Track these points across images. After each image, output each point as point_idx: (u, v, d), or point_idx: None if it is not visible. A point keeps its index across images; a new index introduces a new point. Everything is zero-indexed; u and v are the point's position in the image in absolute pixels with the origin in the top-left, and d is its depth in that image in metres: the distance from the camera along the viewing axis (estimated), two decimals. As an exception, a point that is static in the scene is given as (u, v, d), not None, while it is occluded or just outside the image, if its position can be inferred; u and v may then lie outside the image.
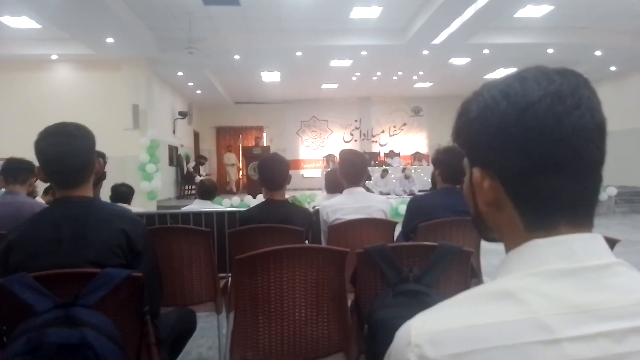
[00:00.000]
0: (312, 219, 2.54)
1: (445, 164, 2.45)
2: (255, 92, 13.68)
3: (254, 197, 9.46)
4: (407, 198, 9.22)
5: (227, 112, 14.98)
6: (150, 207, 8.34)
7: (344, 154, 2.68)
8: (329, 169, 4.41)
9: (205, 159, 12.95)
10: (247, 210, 2.59)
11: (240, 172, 13.60)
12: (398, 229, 2.57)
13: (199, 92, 12.53)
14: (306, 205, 8.75)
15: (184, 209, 3.64)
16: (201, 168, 12.45)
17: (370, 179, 11.01)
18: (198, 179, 11.21)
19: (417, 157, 13.79)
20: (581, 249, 0.51)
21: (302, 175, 15.13)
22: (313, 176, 14.69)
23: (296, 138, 15.54)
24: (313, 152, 15.54)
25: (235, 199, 9.66)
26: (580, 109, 0.52)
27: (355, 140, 15.61)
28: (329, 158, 13.66)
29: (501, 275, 0.54)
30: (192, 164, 12.22)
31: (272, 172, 2.39)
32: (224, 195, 10.89)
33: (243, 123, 15.17)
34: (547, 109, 0.52)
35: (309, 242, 2.48)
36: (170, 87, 11.67)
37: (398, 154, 13.95)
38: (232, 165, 13.45)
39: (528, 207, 0.54)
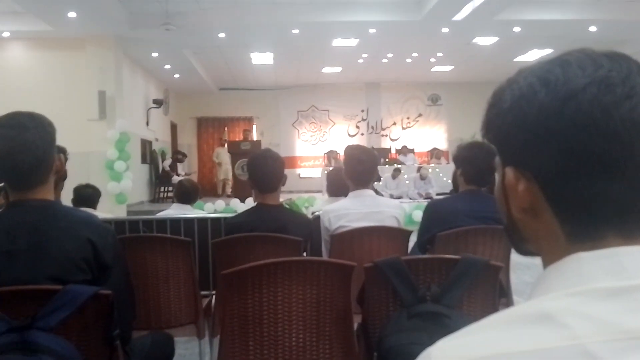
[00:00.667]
0: (311, 226, 2.54)
1: (468, 162, 2.46)
2: (243, 76, 13.70)
3: (242, 201, 9.48)
4: (424, 202, 9.24)
5: (210, 100, 15.01)
6: (120, 213, 8.35)
7: (350, 150, 2.69)
8: (331, 168, 4.42)
9: (184, 155, 12.96)
10: (235, 216, 2.60)
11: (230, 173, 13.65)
12: (413, 239, 2.58)
13: (177, 76, 12.55)
14: (304, 211, 8.81)
15: (160, 215, 3.64)
16: (179, 166, 12.47)
17: (379, 180, 11.03)
18: (176, 179, 11.20)
19: (434, 154, 13.83)
20: (633, 265, 0.51)
21: (299, 175, 15.15)
22: (312, 176, 14.71)
23: (292, 131, 15.56)
24: (312, 147, 15.56)
25: (220, 203, 9.68)
26: (632, 100, 0.52)
27: (362, 134, 15.64)
28: (330, 155, 13.67)
29: (538, 295, 0.54)
30: (168, 161, 12.25)
31: (263, 171, 2.40)
32: (207, 198, 10.91)
33: (229, 113, 15.19)
34: (593, 99, 0.52)
35: (307, 255, 2.48)
36: (143, 71, 11.68)
37: (412, 151, 13.98)
38: (221, 164, 13.47)
39: (570, 214, 0.54)
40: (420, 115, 15.74)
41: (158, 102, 12.00)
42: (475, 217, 2.40)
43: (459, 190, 2.58)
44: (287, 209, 2.58)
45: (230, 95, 15.04)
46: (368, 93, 15.51)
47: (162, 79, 12.85)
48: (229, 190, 13.40)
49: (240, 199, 9.74)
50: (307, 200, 9.78)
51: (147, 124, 11.90)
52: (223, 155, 13.48)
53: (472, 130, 13.04)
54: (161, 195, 12.01)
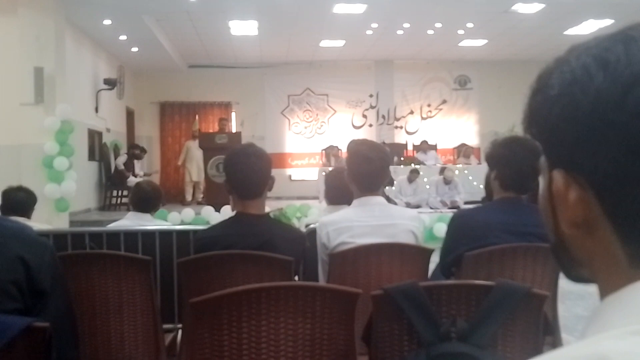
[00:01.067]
0: (304, 243, 2.55)
1: (505, 162, 2.47)
2: (220, 51, 13.72)
3: (217, 210, 9.47)
4: (449, 213, 9.25)
5: (177, 80, 15.04)
6: (61, 223, 8.33)
7: (354, 146, 2.70)
8: (331, 169, 4.43)
9: (143, 150, 12.97)
10: (208, 229, 2.60)
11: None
12: (434, 260, 2.58)
13: (135, 50, 12.56)
14: (296, 223, 8.81)
15: (111, 226, 3.64)
16: (137, 164, 12.47)
17: (392, 185, 11.06)
18: (132, 180, 11.19)
19: (462, 151, 13.88)
20: None
21: (290, 177, 15.17)
22: (306, 179, 14.73)
23: (281, 121, 15.61)
24: (306, 142, 15.60)
25: (189, 212, 9.67)
26: None
27: (370, 126, 15.69)
28: (330, 152, 13.69)
29: (593, 332, 0.54)
30: (122, 157, 12.25)
31: (244, 172, 2.41)
32: (172, 206, 10.92)
33: (201, 97, 15.23)
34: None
35: (300, 279, 2.49)
36: (91, 43, 11.70)
37: (434, 147, 14.05)
38: (198, 163, 13.47)
39: (634, 231, 0.55)
40: (444, 102, 15.81)
41: (110, 83, 12.01)
42: (514, 233, 2.41)
43: (492, 198, 2.58)
44: (274, 221, 2.58)
45: (203, 75, 15.08)
46: (378, 73, 15.57)
47: (116, 53, 12.86)
48: (199, 196, 13.41)
49: (214, 207, 9.72)
50: (300, 209, 9.76)
51: (96, 110, 11.91)
52: (194, 150, 13.48)
53: (511, 122, 13.10)
54: (113, 201, 12.00)
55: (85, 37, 11.33)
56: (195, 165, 13.49)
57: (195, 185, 13.70)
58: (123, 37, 11.65)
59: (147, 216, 3.82)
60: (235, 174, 2.43)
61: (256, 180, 2.43)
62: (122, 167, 11.96)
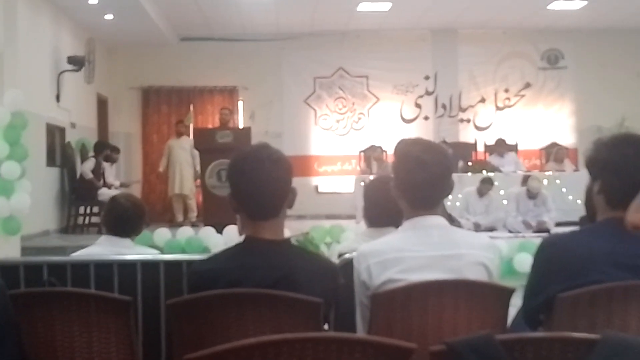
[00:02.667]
0: (337, 278, 2.55)
1: (613, 170, 2.43)
2: (223, 19, 13.82)
3: (219, 231, 9.50)
4: (534, 239, 9.13)
5: (165, 58, 15.17)
6: (11, 251, 8.42)
7: (405, 146, 2.69)
8: (372, 178, 4.43)
9: (115, 151, 13.06)
10: (208, 260, 2.60)
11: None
12: (515, 304, 2.57)
13: (109, 18, 12.67)
14: (325, 251, 8.75)
15: (78, 255, 3.68)
16: (109, 170, 12.56)
17: (454, 199, 10.97)
18: (105, 193, 11.28)
19: (553, 153, 13.72)
20: None
21: (317, 188, 15.19)
22: (338, 191, 14.74)
23: (304, 112, 15.68)
24: (338, 141, 15.64)
25: (182, 234, 9.71)
26: None
27: (426, 118, 15.66)
28: (371, 154, 13.65)
29: None
30: (89, 162, 12.22)
31: (256, 183, 2.41)
32: (158, 226, 10.95)
33: (197, 81, 15.34)
34: None
35: (331, 328, 2.49)
36: (51, 9, 11.84)
37: (514, 148, 13.96)
38: (184, 169, 13.53)
39: None
40: (527, 85, 15.71)
41: (76, 62, 12.13)
42: (625, 267, 2.37)
43: (595, 219, 2.55)
44: (296, 249, 2.58)
45: (200, 51, 15.19)
46: (436, 47, 15.55)
47: (84, 22, 13.00)
48: (192, 216, 13.44)
49: (215, 228, 9.76)
50: (330, 233, 9.75)
51: (58, 98, 12.04)
52: (177, 152, 13.49)
53: (619, 114, 12.94)
54: (80, 220, 12.09)
55: (43, 1, 11.48)
56: (177, 173, 13.46)
57: (183, 201, 13.64)
58: (93, 1, 11.77)
59: (126, 241, 3.85)
60: (243, 186, 2.44)
61: (272, 195, 2.43)
62: (89, 175, 11.91)
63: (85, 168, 12.09)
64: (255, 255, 2.43)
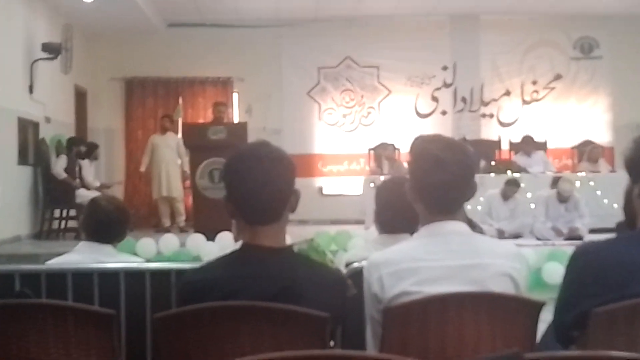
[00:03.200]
0: (345, 290, 2.56)
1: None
2: (215, 3, 13.83)
3: (211, 238, 9.50)
4: (566, 247, 9.10)
5: (150, 46, 15.20)
6: (-23, 259, 8.44)
7: (421, 143, 2.69)
8: (384, 179, 4.42)
9: (93, 147, 13.04)
10: (200, 269, 2.61)
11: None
12: (545, 319, 2.56)
13: (88, 0, 12.68)
14: (330, 260, 8.72)
15: (54, 263, 3.68)
16: (87, 169, 12.54)
17: (475, 202, 10.96)
18: (84, 195, 11.28)
19: (587, 152, 13.71)
20: None
21: (321, 190, 15.22)
22: (345, 193, 14.77)
23: (307, 106, 15.72)
24: (345, 138, 15.67)
25: (168, 242, 9.71)
26: None
27: (444, 113, 15.69)
28: (382, 153, 13.66)
29: None
30: (61, 160, 12.17)
31: (254, 184, 2.41)
32: (143, 233, 10.96)
33: (187, 71, 15.37)
34: None
35: (338, 345, 2.50)
36: (25, -11, 11.86)
37: (543, 146, 13.99)
38: (170, 168, 13.50)
39: None
40: (558, 77, 15.72)
41: (52, 50, 12.14)
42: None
43: (636, 225, 2.54)
44: (299, 257, 2.59)
45: (190, 38, 15.24)
46: (455, 35, 15.59)
47: (61, 5, 13.03)
48: (181, 220, 13.42)
49: (206, 234, 9.76)
50: (336, 240, 9.73)
51: (31, 90, 12.05)
52: (162, 150, 13.46)
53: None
54: (55, 225, 12.11)
55: (16, -18, 11.49)
56: (164, 173, 13.44)
57: (170, 204, 13.61)
58: (72, -19, 11.78)
59: (108, 248, 3.85)
60: (239, 188, 2.44)
61: (272, 196, 2.43)
62: (62, 174, 11.85)
63: (58, 167, 12.00)
64: (253, 264, 2.43)
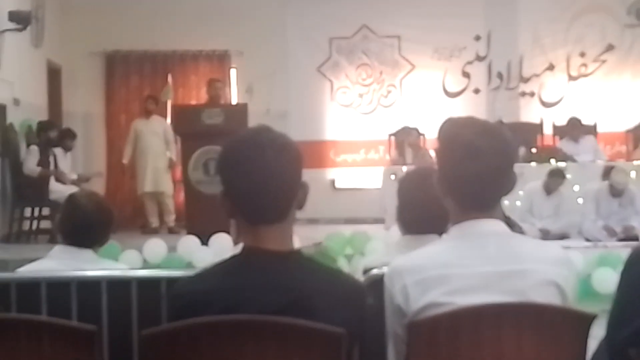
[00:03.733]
0: (364, 303, 2.55)
1: None
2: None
3: (205, 242, 9.52)
4: (621, 249, 9.08)
5: (134, 15, 15.16)
6: None
7: (451, 128, 2.69)
8: (407, 169, 4.43)
9: (70, 136, 13.01)
10: (195, 278, 2.62)
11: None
12: (597, 334, 2.56)
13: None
14: (344, 266, 8.70)
15: (25, 271, 3.69)
16: (62, 159, 12.52)
17: (515, 196, 10.94)
18: (59, 190, 11.29)
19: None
20: None
21: (333, 183, 15.21)
22: (361, 186, 14.78)
23: (317, 84, 15.74)
24: (362, 121, 15.68)
25: (155, 247, 9.73)
26: None
27: (477, 91, 15.68)
28: (405, 139, 13.66)
29: None
30: (33, 151, 12.12)
31: (256, 177, 2.42)
32: (127, 235, 10.98)
33: (177, 44, 15.39)
34: None
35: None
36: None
37: (593, 130, 13.96)
38: (157, 159, 13.47)
39: None
40: (610, 48, 15.67)
41: (20, 20, 12.13)
42: None
43: None
44: (310, 263, 2.57)
45: (180, 5, 15.24)
46: (489, 2, 15.51)
47: (31, -33, 13.02)
48: (170, 219, 13.39)
49: (200, 237, 9.77)
50: (352, 243, 9.75)
51: (-4, 66, 12.09)
52: (147, 137, 13.40)
53: None
54: (26, 225, 12.14)
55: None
56: (150, 165, 13.45)
57: (157, 201, 13.56)
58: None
59: (88, 253, 3.85)
60: (238, 182, 2.43)
61: (276, 192, 2.42)
62: (36, 171, 11.80)
63: (30, 164, 11.90)
64: (256, 272, 2.43)
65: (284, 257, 2.46)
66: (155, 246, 9.78)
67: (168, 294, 2.91)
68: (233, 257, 2.50)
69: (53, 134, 12.56)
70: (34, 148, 12.11)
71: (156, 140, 13.33)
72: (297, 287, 2.40)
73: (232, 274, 2.47)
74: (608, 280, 8.01)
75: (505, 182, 2.64)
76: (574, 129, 13.50)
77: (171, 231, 12.68)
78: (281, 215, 2.46)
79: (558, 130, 14.04)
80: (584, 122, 13.76)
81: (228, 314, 2.34)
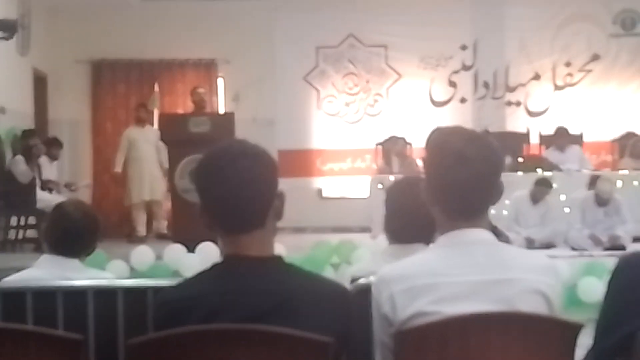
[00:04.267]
0: (350, 307, 2.56)
1: None
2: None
3: (191, 250, 9.50)
4: (607, 259, 9.10)
5: (121, 22, 15.14)
6: None
7: (439, 137, 2.71)
8: (394, 178, 4.43)
9: (58, 145, 12.97)
10: (180, 286, 2.62)
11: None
12: (584, 343, 2.55)
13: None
14: (331, 274, 8.71)
15: (10, 280, 3.67)
16: (48, 168, 12.48)
17: (500, 205, 10.96)
18: (46, 199, 11.26)
19: (630, 146, 13.72)
20: None
21: (320, 192, 15.20)
22: (348, 195, 14.78)
23: (304, 93, 15.74)
24: (348, 130, 15.68)
25: (142, 255, 9.70)
26: None
27: (463, 101, 15.73)
28: (392, 148, 13.69)
29: None
30: (20, 164, 12.06)
31: (229, 184, 2.43)
32: (114, 243, 10.95)
33: (164, 52, 15.38)
34: None
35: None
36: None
37: (579, 139, 14.01)
38: (151, 168, 13.41)
39: None
40: (595, 58, 15.71)
41: (7, 28, 12.11)
42: None
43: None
44: (293, 267, 2.57)
45: (167, 12, 15.22)
46: (477, 9, 15.64)
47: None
48: (162, 226, 13.35)
49: (186, 246, 9.76)
50: (339, 251, 9.74)
51: (-18, 75, 12.05)
52: (141, 145, 13.36)
53: None
54: (12, 234, 12.06)
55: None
56: (147, 174, 13.42)
57: (150, 209, 13.52)
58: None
59: (74, 263, 3.85)
60: (212, 192, 2.46)
61: (251, 198, 2.44)
62: (29, 176, 11.72)
63: (17, 166, 11.81)
64: (239, 277, 2.44)
65: (265, 262, 2.48)
66: (143, 254, 9.76)
67: (155, 302, 2.90)
68: (215, 265, 2.52)
69: (34, 141, 12.36)
70: (20, 158, 12.02)
71: (150, 148, 13.28)
72: (280, 291, 2.42)
73: (215, 281, 2.49)
74: (593, 289, 8.04)
75: (492, 191, 2.65)
76: (562, 138, 13.51)
77: (160, 237, 12.64)
78: (257, 223, 2.47)
79: (544, 140, 14.08)
80: (571, 131, 13.78)
81: (212, 320, 2.35)
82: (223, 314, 2.36)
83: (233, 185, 2.41)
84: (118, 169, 13.63)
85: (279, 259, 2.54)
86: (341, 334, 2.41)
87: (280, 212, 2.53)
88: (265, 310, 2.35)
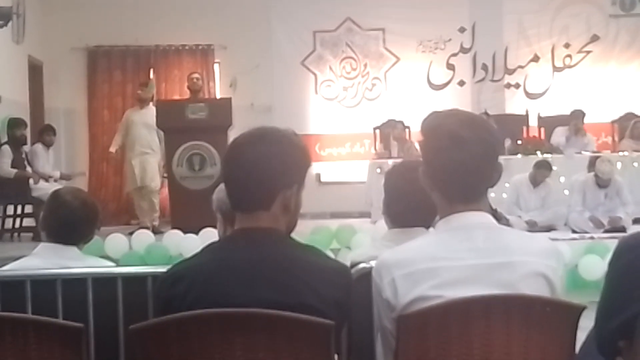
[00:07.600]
0: (350, 283, 2.58)
1: None
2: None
3: (189, 233, 9.46)
4: (607, 240, 9.10)
5: (117, 10, 15.05)
6: None
7: (436, 119, 2.70)
8: (393, 163, 4.43)
9: (51, 132, 12.87)
10: (183, 260, 2.66)
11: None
12: (585, 325, 2.56)
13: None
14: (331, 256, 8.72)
15: (8, 269, 3.67)
16: (44, 156, 12.41)
17: (498, 188, 10.94)
18: (42, 187, 11.23)
19: (631, 128, 13.68)
20: None
21: (319, 177, 15.16)
22: (347, 180, 14.77)
23: (301, 78, 15.71)
24: (346, 115, 15.66)
25: (140, 239, 9.68)
26: None
27: (461, 83, 15.68)
28: (390, 132, 13.65)
29: None
30: (5, 155, 11.97)
31: (243, 167, 2.49)
32: (111, 230, 10.92)
33: (160, 38, 15.34)
34: None
35: (343, 358, 2.50)
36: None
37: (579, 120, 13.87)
38: (147, 152, 13.25)
39: None
40: (594, 39, 15.67)
41: (1, 16, 12.07)
42: None
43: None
44: (297, 242, 2.61)
45: (163, 0, 15.19)
46: (474, -9, 15.54)
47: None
48: (156, 216, 13.10)
49: (183, 231, 9.72)
50: (338, 236, 9.74)
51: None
52: (139, 128, 13.01)
53: None
54: (9, 223, 12.10)
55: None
56: (140, 157, 12.90)
57: (147, 195, 13.29)
58: None
59: (73, 250, 3.85)
60: (225, 170, 2.57)
61: (256, 180, 2.49)
62: (12, 172, 11.60)
63: (4, 165, 11.65)
64: (244, 246, 2.50)
65: (271, 232, 2.52)
66: (139, 241, 9.77)
67: (155, 286, 2.91)
68: (221, 239, 2.54)
69: (21, 131, 12.20)
70: (6, 148, 11.84)
71: (147, 132, 12.51)
72: (286, 259, 2.47)
73: (220, 250, 2.56)
74: (595, 267, 8.04)
75: (490, 172, 2.64)
76: (560, 120, 13.50)
77: (155, 231, 12.46)
78: (261, 204, 2.51)
79: (544, 122, 14.04)
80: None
81: (210, 285, 2.39)
82: (229, 281, 2.41)
83: (245, 166, 2.49)
84: (112, 149, 13.08)
85: (280, 232, 2.57)
86: (342, 308, 2.46)
87: (289, 205, 2.56)
88: (271, 277, 2.41)
